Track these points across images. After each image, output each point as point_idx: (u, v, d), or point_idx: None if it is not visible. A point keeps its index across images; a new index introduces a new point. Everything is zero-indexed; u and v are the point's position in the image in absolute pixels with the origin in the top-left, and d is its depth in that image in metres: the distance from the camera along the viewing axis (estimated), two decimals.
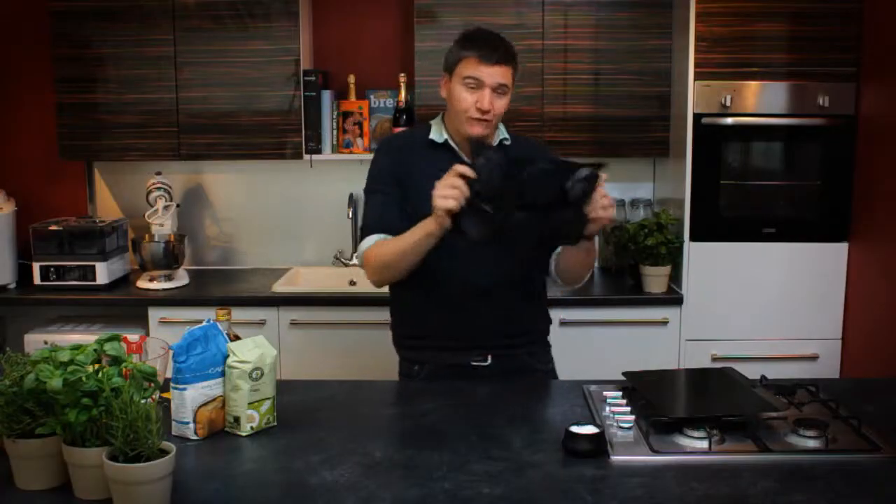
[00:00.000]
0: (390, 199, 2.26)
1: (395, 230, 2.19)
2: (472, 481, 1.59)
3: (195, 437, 1.78)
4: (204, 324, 1.83)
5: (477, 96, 2.16)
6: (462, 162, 2.13)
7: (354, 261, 3.85)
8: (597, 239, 3.83)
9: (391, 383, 2.42)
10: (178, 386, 1.77)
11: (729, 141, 3.34)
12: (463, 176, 1.95)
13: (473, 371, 2.27)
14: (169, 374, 1.80)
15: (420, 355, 2.33)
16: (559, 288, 2.38)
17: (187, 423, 1.77)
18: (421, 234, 2.08)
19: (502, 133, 2.32)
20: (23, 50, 3.81)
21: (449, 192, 1.94)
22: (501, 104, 2.19)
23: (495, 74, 2.15)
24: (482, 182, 1.92)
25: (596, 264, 3.87)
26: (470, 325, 2.27)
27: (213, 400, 1.80)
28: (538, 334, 2.40)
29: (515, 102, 3.46)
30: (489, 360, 2.28)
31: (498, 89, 2.17)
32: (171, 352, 1.78)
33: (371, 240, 2.24)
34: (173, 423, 1.80)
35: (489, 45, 2.17)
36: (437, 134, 2.29)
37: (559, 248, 2.27)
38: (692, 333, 3.36)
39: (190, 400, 1.77)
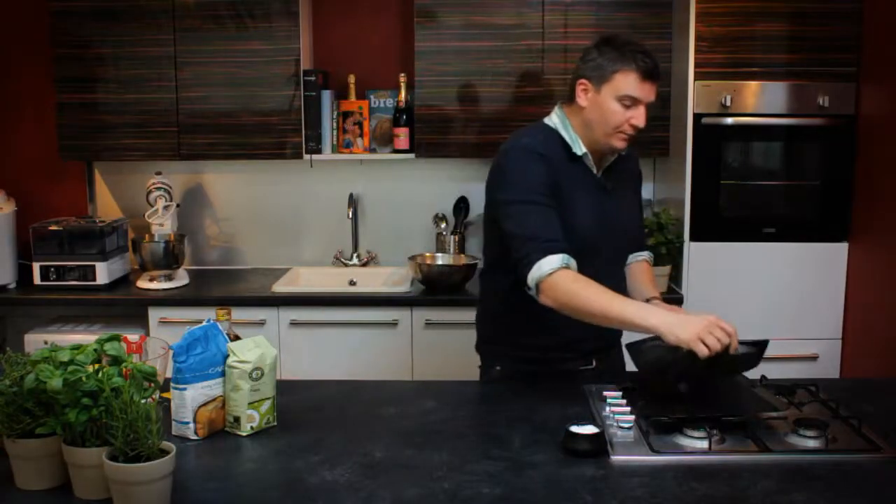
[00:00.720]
0: (552, 211, 2.07)
1: (567, 249, 2.03)
2: (472, 481, 1.59)
3: (195, 437, 1.78)
4: (204, 324, 1.83)
5: (632, 113, 2.10)
6: (594, 175, 2.19)
7: (355, 260, 3.85)
8: None
9: (391, 383, 2.42)
10: (178, 386, 1.77)
11: (729, 141, 3.34)
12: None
13: (582, 376, 2.23)
14: (169, 374, 1.80)
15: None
16: None
17: (187, 423, 1.77)
18: (640, 322, 1.91)
19: None
20: (23, 50, 3.81)
21: (712, 340, 1.82)
22: (645, 120, 2.14)
23: (653, 92, 2.13)
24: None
25: None
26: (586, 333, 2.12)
27: (213, 400, 1.80)
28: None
29: (515, 102, 3.50)
30: (594, 364, 2.27)
31: (648, 105, 2.13)
32: (171, 352, 1.78)
33: (552, 261, 1.99)
34: (173, 423, 1.80)
35: (650, 60, 2.11)
36: (578, 147, 2.16)
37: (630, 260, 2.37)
38: None
39: (190, 400, 1.77)
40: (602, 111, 2.10)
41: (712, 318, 1.86)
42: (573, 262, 2.02)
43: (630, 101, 2.09)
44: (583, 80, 2.15)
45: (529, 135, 2.19)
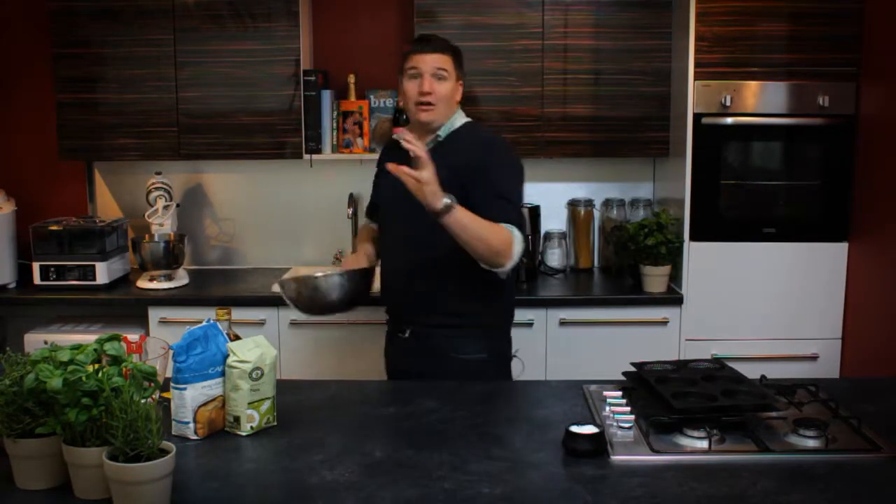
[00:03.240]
0: (373, 186, 2.81)
1: (372, 216, 2.83)
2: (472, 481, 1.59)
3: (195, 437, 1.78)
4: (204, 324, 1.83)
5: (418, 83, 2.44)
6: (409, 158, 2.29)
7: None
8: (597, 239, 3.85)
9: (391, 383, 2.42)
10: (178, 386, 1.77)
11: (729, 141, 3.34)
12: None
13: (399, 342, 2.56)
14: (169, 374, 1.80)
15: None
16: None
17: (187, 422, 1.77)
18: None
19: (442, 130, 2.49)
20: (23, 50, 3.81)
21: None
22: (442, 88, 2.44)
23: (431, 60, 2.44)
24: None
25: (596, 264, 3.88)
26: (396, 300, 2.58)
27: (213, 400, 1.81)
28: (465, 321, 2.46)
29: (515, 102, 3.50)
30: (407, 334, 2.53)
31: (436, 73, 2.43)
32: (171, 352, 1.78)
33: (365, 221, 2.89)
34: (173, 423, 1.80)
35: (423, 39, 2.53)
36: (399, 135, 2.41)
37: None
38: (692, 333, 3.36)
39: (190, 400, 1.77)
40: (403, 91, 2.50)
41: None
42: (372, 224, 2.80)
43: (415, 72, 2.45)
44: (399, 78, 2.53)
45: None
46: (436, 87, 2.44)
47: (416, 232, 2.42)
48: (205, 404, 1.79)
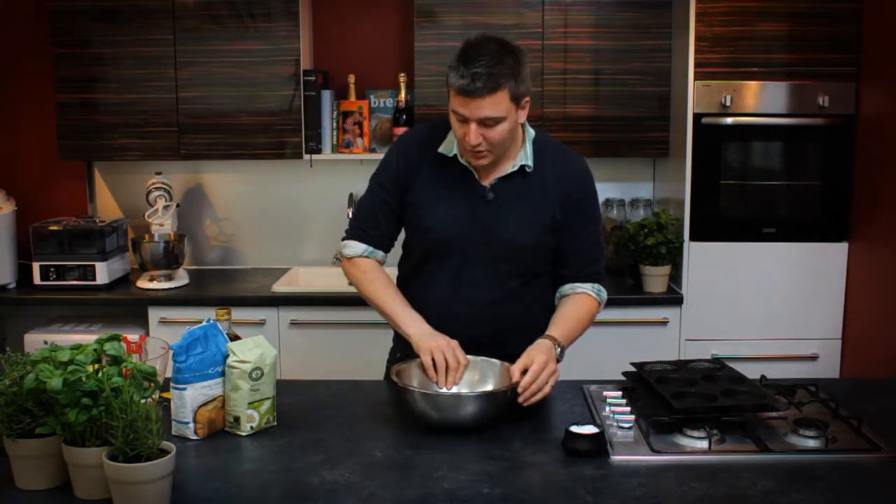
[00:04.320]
0: (384, 204, 2.16)
1: (379, 242, 2.17)
2: (472, 481, 1.59)
3: (195, 437, 1.78)
4: (204, 324, 1.83)
5: (465, 129, 1.97)
6: (475, 182, 2.08)
7: None
8: None
9: (390, 382, 2.41)
10: (178, 386, 1.77)
11: (729, 141, 3.34)
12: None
13: None
14: (169, 374, 1.80)
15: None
16: None
17: (187, 423, 1.77)
18: (400, 325, 2.07)
19: (526, 157, 2.11)
20: (23, 50, 3.81)
21: (439, 357, 1.94)
22: (495, 135, 1.97)
23: (479, 109, 1.93)
24: None
25: None
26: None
27: (213, 400, 1.80)
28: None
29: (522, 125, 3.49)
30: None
31: (486, 122, 1.95)
32: (171, 352, 1.78)
33: (356, 248, 2.17)
34: (173, 423, 1.80)
35: (469, 76, 1.91)
36: (448, 147, 2.10)
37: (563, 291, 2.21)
38: (692, 333, 3.36)
39: (190, 400, 1.77)
40: (453, 127, 2.03)
41: (453, 342, 1.97)
42: (379, 254, 2.18)
43: (461, 118, 1.97)
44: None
45: (427, 125, 2.21)
46: (487, 134, 1.96)
47: (496, 266, 2.10)
48: (205, 404, 1.79)
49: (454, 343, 1.97)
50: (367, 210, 2.19)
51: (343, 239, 2.23)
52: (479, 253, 2.09)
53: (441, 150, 2.11)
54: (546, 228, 2.11)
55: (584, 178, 2.18)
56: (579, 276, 2.17)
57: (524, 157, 2.11)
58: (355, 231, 2.20)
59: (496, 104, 1.94)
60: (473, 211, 2.09)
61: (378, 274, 2.15)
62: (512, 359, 1.95)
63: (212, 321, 1.85)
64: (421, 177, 2.12)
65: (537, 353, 1.92)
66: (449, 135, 2.11)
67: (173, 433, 1.79)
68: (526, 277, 2.15)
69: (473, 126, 1.95)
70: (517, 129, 2.07)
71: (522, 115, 2.06)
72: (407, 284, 2.20)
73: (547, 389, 1.88)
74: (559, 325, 2.07)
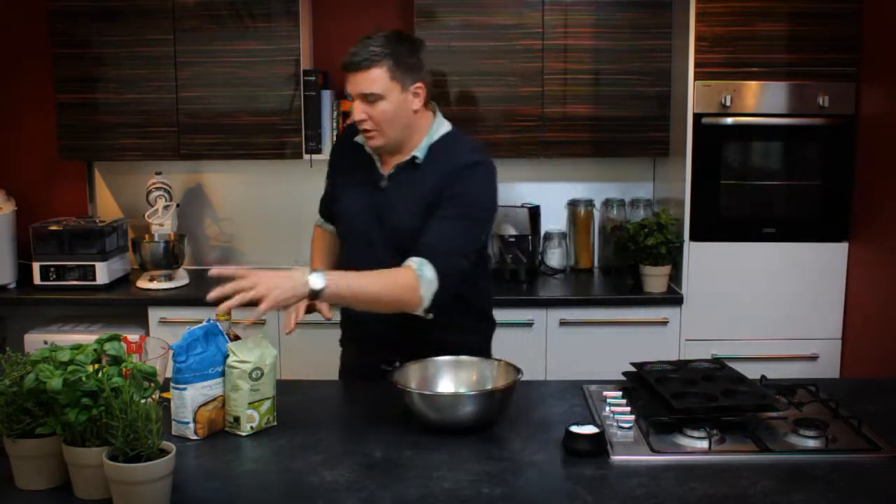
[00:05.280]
0: (327, 186, 2.43)
1: (328, 217, 2.41)
2: (472, 481, 1.59)
3: (195, 438, 1.78)
4: (204, 324, 1.83)
5: (355, 107, 2.09)
6: (375, 170, 2.20)
7: None
8: (597, 239, 3.85)
9: (391, 383, 2.41)
10: (178, 386, 1.77)
11: (729, 141, 3.34)
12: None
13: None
14: (169, 374, 1.80)
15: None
16: None
17: (187, 423, 1.77)
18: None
19: (419, 150, 2.14)
20: (23, 50, 3.81)
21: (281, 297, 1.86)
22: (378, 111, 2.06)
23: (356, 84, 2.06)
24: None
25: (596, 264, 3.87)
26: (381, 334, 2.20)
27: (214, 400, 1.80)
28: (466, 337, 2.23)
29: (516, 102, 3.50)
30: (398, 365, 2.01)
31: (366, 98, 2.05)
32: (171, 352, 1.77)
33: (317, 220, 2.50)
34: (173, 423, 1.80)
35: (353, 52, 2.06)
36: (361, 137, 2.19)
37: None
38: (692, 333, 3.36)
39: (190, 400, 1.77)
40: None
41: (299, 304, 2.02)
42: (327, 226, 2.43)
43: (349, 96, 2.14)
44: None
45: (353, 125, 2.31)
46: (370, 111, 2.06)
47: (394, 251, 2.10)
48: (205, 404, 1.79)
49: (298, 302, 1.95)
50: (324, 191, 2.46)
51: None
52: (376, 238, 2.18)
53: (357, 139, 2.23)
54: (424, 214, 2.10)
55: (465, 171, 2.12)
56: (417, 251, 2.04)
57: (417, 150, 2.16)
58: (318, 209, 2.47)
59: (373, 80, 2.05)
60: (370, 197, 2.19)
61: (317, 236, 2.47)
62: (423, 347, 2.03)
63: (212, 321, 1.85)
64: (340, 165, 2.33)
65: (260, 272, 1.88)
66: None
67: (173, 433, 1.79)
68: None
69: (357, 102, 2.08)
70: (412, 118, 2.13)
71: (415, 103, 2.12)
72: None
73: (249, 295, 1.82)
74: (341, 272, 2.02)
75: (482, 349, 2.30)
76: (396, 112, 2.08)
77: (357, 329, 2.32)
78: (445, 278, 2.02)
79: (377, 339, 2.22)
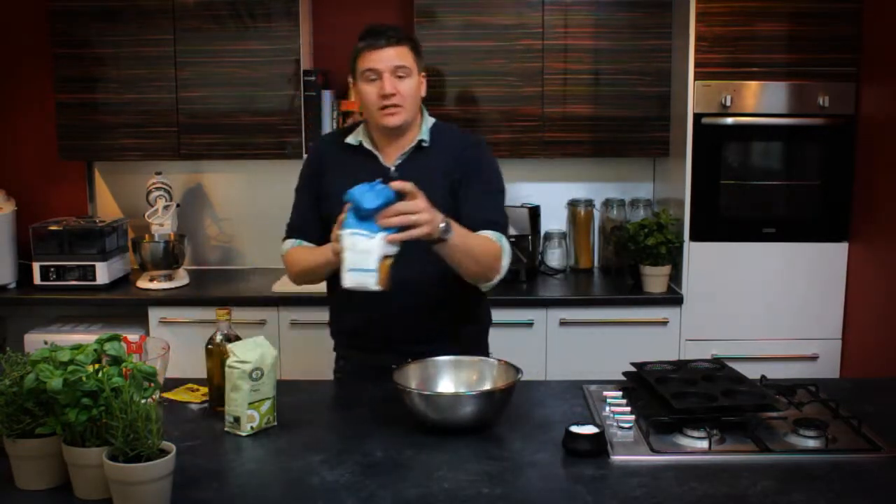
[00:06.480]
0: (305, 203, 2.32)
1: (309, 235, 2.27)
2: (472, 481, 1.59)
3: (376, 288, 1.79)
4: (372, 182, 1.83)
5: (378, 85, 2.14)
6: (379, 165, 2.20)
7: None
8: (597, 238, 3.85)
9: (391, 383, 2.41)
10: (361, 233, 1.78)
11: (729, 141, 3.34)
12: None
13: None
14: (169, 374, 1.80)
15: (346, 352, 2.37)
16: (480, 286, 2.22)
17: (371, 270, 1.78)
18: (322, 259, 2.10)
19: (422, 133, 2.22)
20: (23, 50, 3.81)
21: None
22: (406, 86, 2.16)
23: (388, 58, 2.14)
24: None
25: (596, 264, 3.88)
26: (396, 336, 2.21)
27: (390, 257, 1.82)
28: (463, 341, 2.24)
29: (516, 102, 3.50)
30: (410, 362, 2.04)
31: (397, 72, 2.14)
32: (352, 197, 1.80)
33: (287, 244, 2.33)
34: (349, 274, 1.80)
35: (374, 34, 2.18)
36: (353, 137, 2.25)
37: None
38: (692, 333, 3.36)
39: (377, 248, 1.78)
40: (361, 97, 2.20)
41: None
42: (306, 244, 2.27)
43: (373, 75, 2.15)
44: (352, 82, 2.26)
45: (332, 132, 2.37)
46: (399, 86, 2.15)
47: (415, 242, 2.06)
48: (386, 257, 1.80)
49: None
50: (293, 214, 2.38)
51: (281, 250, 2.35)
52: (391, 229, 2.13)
53: (349, 140, 2.27)
54: (447, 193, 2.17)
55: (477, 147, 2.28)
56: (480, 227, 2.14)
57: (421, 133, 2.24)
58: (286, 233, 2.37)
59: (404, 54, 2.16)
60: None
61: (297, 251, 2.28)
62: (443, 340, 2.08)
63: (378, 184, 1.84)
64: (330, 171, 2.26)
65: (413, 186, 1.90)
66: (357, 129, 2.29)
67: (346, 285, 1.81)
68: None
69: (387, 75, 2.13)
70: (420, 102, 2.24)
71: (423, 88, 2.24)
72: (334, 278, 2.14)
73: (411, 219, 1.85)
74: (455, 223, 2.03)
75: (482, 340, 2.37)
76: (416, 90, 2.20)
77: (358, 320, 2.27)
78: (510, 250, 2.19)
79: (383, 329, 2.23)
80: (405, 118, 2.18)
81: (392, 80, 2.14)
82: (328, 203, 2.20)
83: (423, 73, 2.24)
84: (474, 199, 2.19)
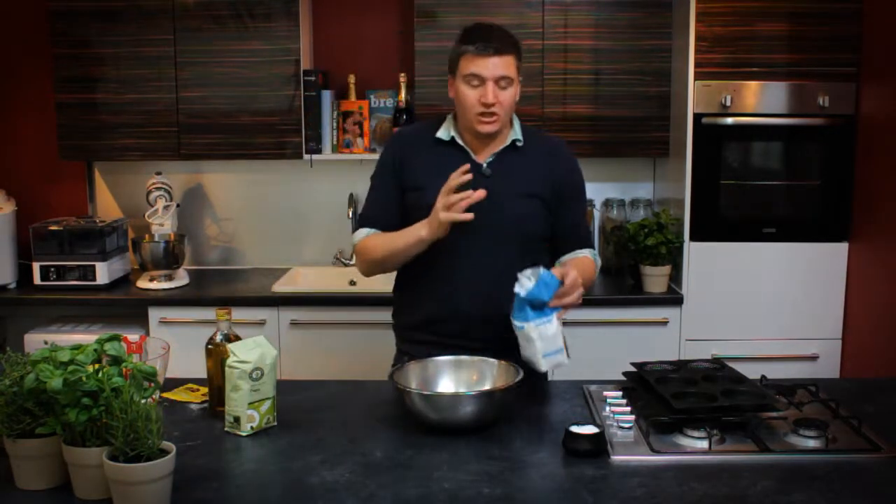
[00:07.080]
0: (386, 194, 2.29)
1: (387, 225, 2.26)
2: (472, 481, 1.59)
3: (567, 362, 1.98)
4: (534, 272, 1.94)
5: (480, 92, 2.14)
6: (471, 161, 2.21)
7: (355, 260, 3.84)
8: (597, 239, 3.85)
9: (391, 383, 2.41)
10: (543, 321, 1.93)
11: (729, 141, 3.34)
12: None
13: None
14: (169, 375, 1.81)
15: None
16: None
17: (562, 349, 1.97)
18: (413, 238, 2.15)
19: (515, 133, 2.27)
20: (23, 50, 3.81)
21: (454, 202, 2.04)
22: (507, 96, 2.16)
23: (494, 66, 2.12)
24: None
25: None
26: (475, 327, 2.22)
27: None
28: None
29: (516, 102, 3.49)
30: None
31: (500, 82, 2.14)
32: (528, 284, 1.94)
33: (363, 233, 2.29)
34: (544, 360, 1.96)
35: (483, 38, 2.15)
36: (445, 132, 2.26)
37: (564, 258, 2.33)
38: (692, 333, 3.36)
39: (558, 328, 1.95)
40: (459, 98, 2.20)
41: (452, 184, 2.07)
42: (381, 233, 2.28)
43: (476, 80, 2.15)
44: (449, 75, 2.26)
45: (417, 123, 2.44)
46: (501, 95, 2.14)
47: (502, 237, 2.21)
48: None
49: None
50: (369, 202, 2.34)
51: (353, 240, 2.36)
52: (480, 226, 2.14)
53: (439, 134, 2.26)
54: (539, 199, 2.25)
55: (573, 160, 2.36)
56: (578, 245, 2.33)
57: (514, 133, 2.27)
58: (360, 223, 2.34)
59: (509, 65, 2.15)
60: (472, 186, 2.13)
61: (376, 237, 2.26)
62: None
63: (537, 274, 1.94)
64: (417, 162, 2.26)
65: (571, 268, 2.01)
66: (445, 122, 2.29)
67: (544, 369, 1.98)
68: (524, 248, 2.23)
69: (490, 84, 2.13)
70: (514, 105, 2.24)
71: (518, 93, 2.23)
72: (409, 270, 2.28)
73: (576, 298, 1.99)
74: (570, 265, 2.15)
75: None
76: (515, 99, 2.20)
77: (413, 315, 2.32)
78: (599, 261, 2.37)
79: (461, 322, 2.23)
80: (500, 126, 2.20)
81: (495, 89, 2.14)
82: (417, 194, 2.22)
83: (520, 78, 2.23)
84: (575, 218, 2.32)
